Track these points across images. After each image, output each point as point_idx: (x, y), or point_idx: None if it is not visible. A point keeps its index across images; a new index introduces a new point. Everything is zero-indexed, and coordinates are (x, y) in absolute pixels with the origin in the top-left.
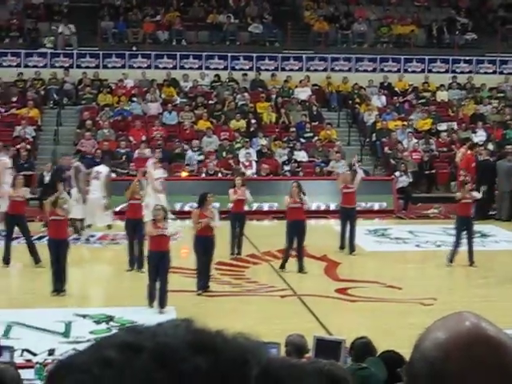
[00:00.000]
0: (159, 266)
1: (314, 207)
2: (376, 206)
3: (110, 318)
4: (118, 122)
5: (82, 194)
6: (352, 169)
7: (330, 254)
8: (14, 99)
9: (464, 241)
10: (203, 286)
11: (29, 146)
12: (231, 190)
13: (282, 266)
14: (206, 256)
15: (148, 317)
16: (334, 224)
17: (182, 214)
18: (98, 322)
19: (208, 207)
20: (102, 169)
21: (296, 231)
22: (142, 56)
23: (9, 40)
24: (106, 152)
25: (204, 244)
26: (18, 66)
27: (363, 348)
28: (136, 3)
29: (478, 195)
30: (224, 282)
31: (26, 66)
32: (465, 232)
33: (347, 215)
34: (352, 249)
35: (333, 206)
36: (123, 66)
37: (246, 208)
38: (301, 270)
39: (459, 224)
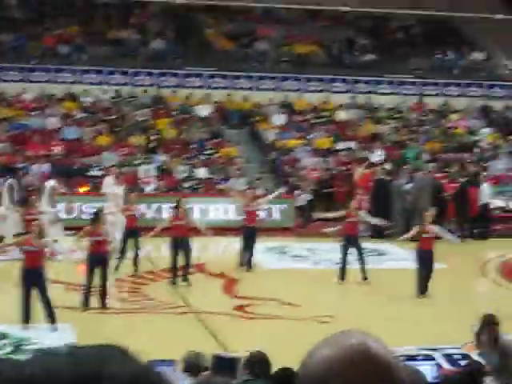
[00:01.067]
0: (37, 283)
1: (212, 224)
2: (276, 224)
3: (3, 335)
4: (16, 136)
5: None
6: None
7: (229, 271)
8: None
9: (353, 259)
10: (85, 302)
11: None
12: (124, 207)
13: (174, 282)
14: (101, 273)
15: (42, 333)
16: (233, 241)
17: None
18: None
19: (101, 225)
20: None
21: (181, 248)
22: (41, 70)
23: None
24: (2, 166)
25: (97, 261)
26: None
27: (259, 363)
28: (36, 16)
29: (366, 217)
30: (122, 299)
31: None
32: (353, 250)
33: (249, 233)
34: (249, 266)
35: (232, 223)
36: (22, 80)
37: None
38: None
39: (345, 242)
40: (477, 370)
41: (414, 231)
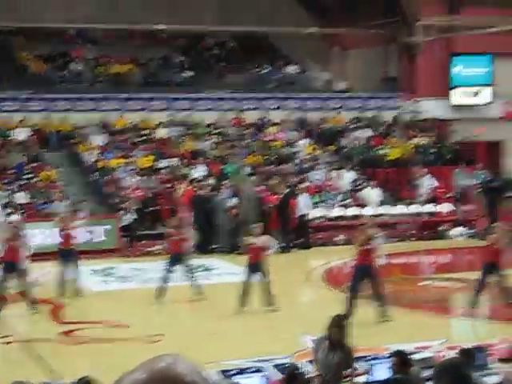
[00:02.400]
0: None
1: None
2: (100, 245)
3: None
4: None
5: None
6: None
7: (55, 297)
8: None
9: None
10: None
11: None
12: None
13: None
14: None
15: None
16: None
17: None
18: None
19: None
20: None
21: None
22: None
23: None
24: None
25: None
26: None
27: None
28: None
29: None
30: None
31: None
32: (179, 268)
33: (66, 257)
34: (78, 291)
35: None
36: None
37: None
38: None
39: (169, 260)
40: (294, 369)
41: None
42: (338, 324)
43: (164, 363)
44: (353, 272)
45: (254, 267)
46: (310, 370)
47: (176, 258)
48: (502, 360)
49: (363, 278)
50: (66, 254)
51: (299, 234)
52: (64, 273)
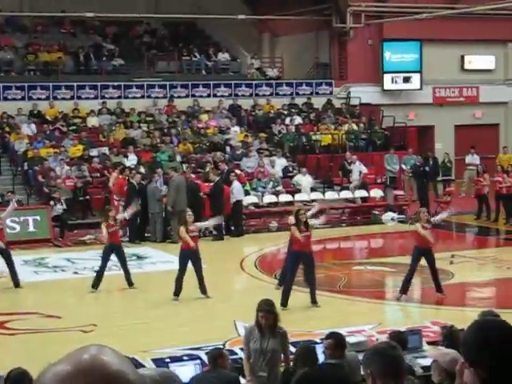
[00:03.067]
0: None
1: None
2: (31, 235)
3: None
4: None
5: None
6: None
7: None
8: None
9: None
10: None
11: None
12: None
13: None
14: None
15: None
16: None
17: None
18: None
19: None
20: None
21: None
22: None
23: None
24: None
25: None
26: None
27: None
28: None
29: (124, 215)
30: None
31: None
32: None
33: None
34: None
35: None
36: None
37: None
38: None
39: (107, 250)
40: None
41: (181, 234)
42: (266, 309)
43: (88, 353)
44: (291, 257)
45: (190, 255)
46: (242, 356)
47: (114, 248)
48: (429, 343)
49: (300, 263)
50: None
51: (233, 222)
52: None
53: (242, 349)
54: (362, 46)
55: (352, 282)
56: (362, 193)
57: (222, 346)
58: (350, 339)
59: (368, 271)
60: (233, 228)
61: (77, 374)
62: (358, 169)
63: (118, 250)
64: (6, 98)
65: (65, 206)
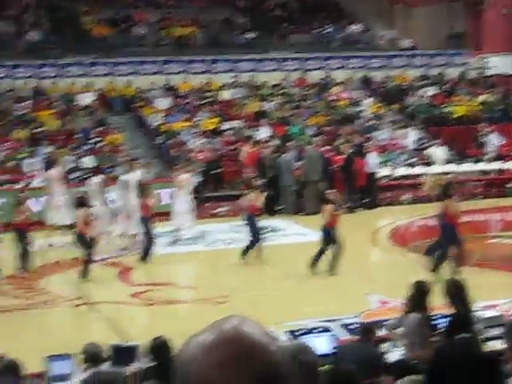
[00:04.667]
0: None
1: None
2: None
3: None
4: None
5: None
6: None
7: (123, 260)
8: None
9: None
10: None
11: None
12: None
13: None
14: None
15: None
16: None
17: None
18: None
19: None
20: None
21: None
22: None
23: None
24: None
25: None
26: None
27: (161, 349)
28: None
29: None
30: (17, 295)
31: None
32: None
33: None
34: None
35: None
36: None
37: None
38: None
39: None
40: (369, 328)
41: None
42: (423, 291)
43: (231, 324)
44: (447, 230)
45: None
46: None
47: (252, 218)
48: None
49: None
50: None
51: (366, 194)
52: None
53: (376, 322)
54: (497, 15)
55: (487, 255)
56: (498, 165)
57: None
58: (485, 314)
59: (503, 244)
60: (363, 201)
61: (219, 344)
62: (493, 140)
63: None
64: (140, 73)
65: (199, 179)
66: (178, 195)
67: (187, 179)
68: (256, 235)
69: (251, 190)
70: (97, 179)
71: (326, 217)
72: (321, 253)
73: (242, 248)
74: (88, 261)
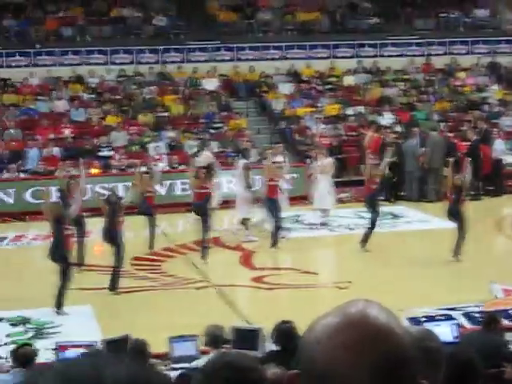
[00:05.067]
0: None
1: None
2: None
3: (26, 320)
4: (25, 122)
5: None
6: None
7: (245, 243)
8: None
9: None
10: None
11: None
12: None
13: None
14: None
15: (63, 317)
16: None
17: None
18: (14, 325)
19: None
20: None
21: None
22: (46, 53)
23: None
24: (13, 152)
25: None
26: None
27: (285, 334)
28: (38, 0)
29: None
30: (141, 277)
31: None
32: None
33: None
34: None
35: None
36: (28, 65)
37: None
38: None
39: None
40: (493, 317)
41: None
42: None
43: (356, 307)
44: None
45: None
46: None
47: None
48: None
49: None
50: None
51: (492, 181)
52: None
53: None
54: None
55: None
56: None
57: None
58: None
59: None
60: (491, 188)
61: (345, 327)
62: None
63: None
64: (264, 59)
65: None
66: (321, 179)
67: (330, 163)
68: (373, 221)
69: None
70: (240, 163)
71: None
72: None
73: (362, 234)
74: (205, 244)
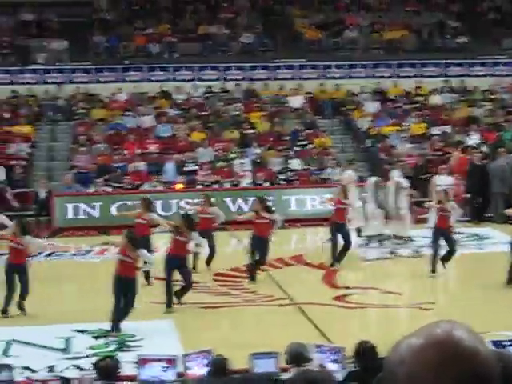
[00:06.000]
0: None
1: (309, 214)
2: None
3: (108, 333)
4: (112, 136)
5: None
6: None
7: (328, 262)
8: (7, 116)
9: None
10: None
11: (24, 163)
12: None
13: (252, 278)
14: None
15: (146, 331)
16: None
17: None
18: (96, 337)
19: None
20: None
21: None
22: (134, 69)
23: (0, 57)
24: (101, 166)
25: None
26: (11, 83)
27: (367, 354)
28: (127, 17)
29: (456, 209)
30: (223, 293)
31: (19, 83)
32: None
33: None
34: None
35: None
36: (116, 80)
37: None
38: (252, 279)
39: (436, 234)
40: None
41: None
42: None
43: (441, 328)
44: None
45: None
46: None
47: (440, 232)
48: None
49: None
50: (339, 226)
51: None
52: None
53: None
54: None
55: None
56: None
57: None
58: None
59: None
60: None
61: (430, 347)
62: None
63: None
64: (350, 77)
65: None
66: (398, 197)
67: (405, 182)
68: (452, 245)
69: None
70: (372, 179)
71: None
72: None
73: (443, 256)
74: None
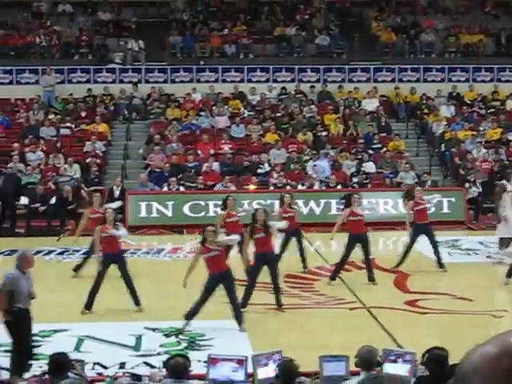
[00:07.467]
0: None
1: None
2: (446, 217)
3: (179, 331)
4: (186, 136)
5: None
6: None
7: (400, 266)
8: (84, 115)
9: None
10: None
11: (99, 161)
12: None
13: (333, 278)
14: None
15: (215, 330)
16: (403, 235)
17: None
18: (167, 336)
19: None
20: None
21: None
22: (209, 70)
23: (78, 56)
24: (174, 166)
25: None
26: (88, 82)
27: (436, 360)
28: (203, 18)
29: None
30: (293, 294)
31: (96, 82)
32: None
33: (420, 231)
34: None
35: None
36: (191, 81)
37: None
38: (370, 280)
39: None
40: None
41: None
42: None
43: None
44: None
45: None
46: None
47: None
48: None
49: None
50: (422, 228)
51: None
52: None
53: None
54: None
55: None
56: None
57: None
58: None
59: None
60: None
61: (504, 356)
62: None
63: None
64: (425, 80)
65: (480, 189)
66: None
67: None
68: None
69: None
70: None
71: None
72: None
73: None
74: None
